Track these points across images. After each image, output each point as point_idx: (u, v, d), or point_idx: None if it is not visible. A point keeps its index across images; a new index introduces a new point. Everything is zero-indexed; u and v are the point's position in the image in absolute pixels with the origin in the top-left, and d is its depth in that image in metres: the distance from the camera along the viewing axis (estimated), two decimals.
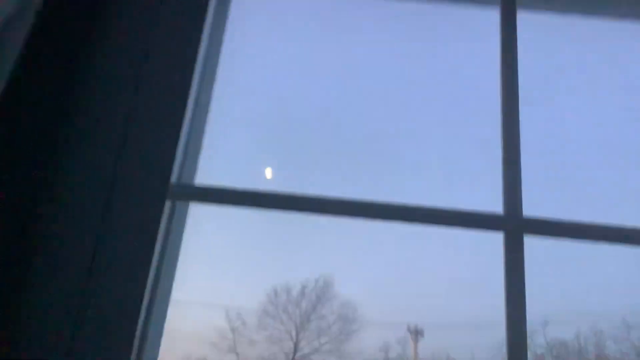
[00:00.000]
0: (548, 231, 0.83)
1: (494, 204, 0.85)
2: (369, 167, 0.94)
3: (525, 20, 0.99)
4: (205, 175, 0.92)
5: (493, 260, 0.82)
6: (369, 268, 0.89)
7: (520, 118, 0.89)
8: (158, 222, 0.78)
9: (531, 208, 0.84)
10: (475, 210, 0.84)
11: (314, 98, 1.02)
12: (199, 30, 0.93)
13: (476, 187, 0.88)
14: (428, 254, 0.87)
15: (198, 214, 0.94)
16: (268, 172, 1.01)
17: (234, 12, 1.07)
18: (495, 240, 0.83)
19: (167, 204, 0.83)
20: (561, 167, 0.91)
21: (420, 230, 0.84)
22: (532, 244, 0.83)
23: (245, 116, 1.00)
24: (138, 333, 0.75)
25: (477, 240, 0.85)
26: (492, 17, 1.00)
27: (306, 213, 0.87)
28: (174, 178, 0.85)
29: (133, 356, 0.74)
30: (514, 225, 0.83)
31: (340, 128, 0.98)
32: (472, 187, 0.88)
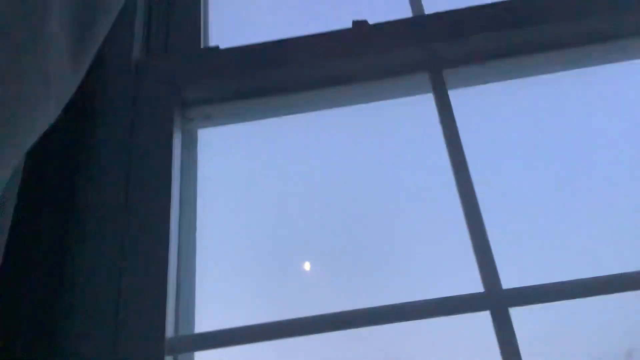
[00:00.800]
0: (532, 299, 0.85)
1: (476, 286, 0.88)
2: (340, 274, 0.98)
3: (458, 95, 1.05)
4: (205, 319, 0.97)
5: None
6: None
7: (478, 195, 0.93)
8: None
9: (510, 280, 0.86)
10: (457, 294, 0.87)
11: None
12: (169, 172, 1.02)
13: (453, 273, 0.91)
14: (422, 349, 0.89)
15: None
16: (306, 266, 1.05)
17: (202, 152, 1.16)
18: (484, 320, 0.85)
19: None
20: (527, 232, 0.93)
21: (409, 327, 0.86)
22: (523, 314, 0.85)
23: (231, 254, 1.06)
24: None
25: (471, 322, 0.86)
26: (428, 100, 1.07)
27: (304, 335, 0.91)
28: (170, 332, 0.90)
29: None
30: (497, 302, 0.85)
31: (312, 240, 1.03)
32: (448, 274, 0.91)
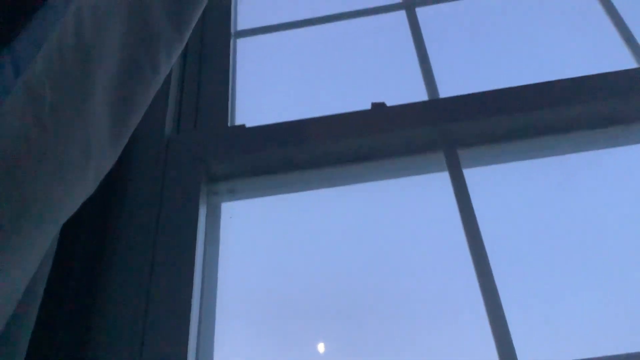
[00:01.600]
0: None
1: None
2: (356, 346, 0.99)
3: (473, 174, 1.10)
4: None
5: None
6: None
7: (494, 272, 0.96)
8: None
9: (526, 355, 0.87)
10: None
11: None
12: (193, 243, 1.06)
13: (470, 350, 0.91)
14: None
15: None
16: (321, 347, 1.06)
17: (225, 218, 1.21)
18: None
19: None
20: (544, 304, 0.94)
21: None
22: None
23: (248, 327, 1.08)
24: None
25: None
26: (443, 178, 1.11)
27: None
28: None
29: None
30: None
31: (328, 316, 1.05)
32: (465, 351, 0.92)
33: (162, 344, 0.94)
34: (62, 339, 0.94)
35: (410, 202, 1.17)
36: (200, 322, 1.02)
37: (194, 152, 1.22)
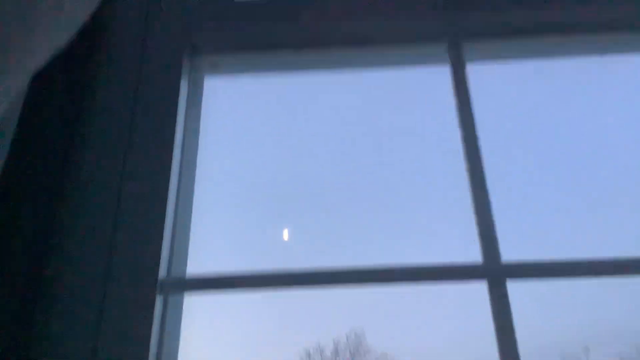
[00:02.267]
0: (530, 274, 0.85)
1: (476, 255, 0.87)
2: (342, 234, 0.97)
3: (475, 71, 1.04)
4: (199, 263, 0.96)
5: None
6: (397, 317, 0.91)
7: (485, 166, 0.92)
8: (150, 319, 0.81)
9: (509, 252, 0.86)
10: (455, 262, 0.86)
11: (285, 171, 1.07)
12: (174, 118, 1.00)
13: (453, 241, 0.90)
14: (421, 312, 0.88)
15: (208, 303, 0.97)
16: (285, 234, 1.04)
17: (207, 100, 1.14)
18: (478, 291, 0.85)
19: (159, 299, 0.87)
20: (532, 207, 0.93)
21: (402, 290, 0.86)
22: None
23: (230, 198, 1.05)
24: None
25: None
26: (444, 73, 1.05)
27: (302, 288, 0.90)
28: (163, 272, 0.89)
29: None
30: (494, 273, 0.85)
31: (318, 196, 1.02)
32: (449, 242, 0.91)
33: (140, 210, 0.90)
34: (30, 214, 0.89)
35: (405, 94, 1.11)
36: (178, 194, 0.98)
37: (177, 22, 1.12)
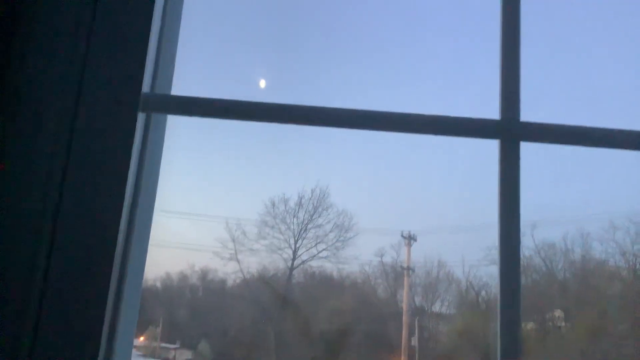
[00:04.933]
0: (546, 137, 0.81)
1: (492, 111, 0.82)
2: (363, 74, 0.90)
3: None
4: (183, 85, 0.88)
5: (488, 165, 0.80)
6: (364, 177, 0.88)
7: (521, 19, 0.84)
8: (131, 134, 0.74)
9: (529, 113, 0.81)
10: (471, 117, 0.81)
11: (302, 4, 0.95)
12: None
13: (474, 93, 0.84)
14: (423, 162, 0.85)
15: (181, 126, 0.90)
16: (262, 83, 0.96)
17: None
18: (492, 146, 0.81)
19: (141, 117, 0.79)
20: (560, 71, 0.87)
21: (416, 138, 0.81)
22: (526, 148, 0.81)
23: (220, 19, 0.94)
24: (119, 247, 0.74)
25: (474, 146, 0.82)
26: None
27: (295, 124, 0.84)
28: (146, 88, 0.80)
29: (115, 268, 0.73)
30: (510, 132, 0.80)
31: (331, 33, 0.92)
32: (469, 93, 0.84)
33: (119, 29, 0.79)
34: None
35: None
36: (163, 17, 0.86)
37: None
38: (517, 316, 0.76)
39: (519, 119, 0.81)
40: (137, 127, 0.77)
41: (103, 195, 0.73)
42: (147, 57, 0.79)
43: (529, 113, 0.81)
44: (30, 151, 0.74)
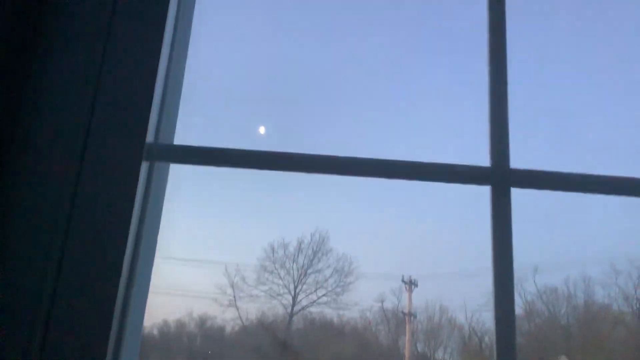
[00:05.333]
0: (535, 183, 0.83)
1: (482, 158, 0.85)
2: (358, 122, 0.93)
3: None
4: (185, 135, 0.91)
5: (482, 210, 0.83)
6: (363, 223, 0.90)
7: (508, 69, 0.88)
8: (135, 183, 0.77)
9: (518, 160, 0.84)
10: (462, 164, 0.83)
11: (299, 56, 1.00)
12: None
13: (464, 141, 0.87)
14: (420, 207, 0.87)
15: (182, 174, 0.93)
16: (261, 130, 0.99)
17: None
18: (483, 192, 0.83)
19: (145, 165, 0.82)
20: (549, 118, 0.90)
21: (411, 185, 0.83)
22: (522, 193, 0.83)
23: (223, 75, 0.98)
24: (120, 293, 0.75)
25: (467, 193, 0.84)
26: None
27: (293, 171, 0.87)
28: (150, 138, 0.83)
29: (116, 314, 0.74)
30: (500, 178, 0.83)
31: (325, 86, 0.96)
32: (459, 142, 0.87)
33: (129, 67, 0.83)
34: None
35: None
36: (168, 68, 0.90)
37: None
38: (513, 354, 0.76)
39: (508, 166, 0.84)
40: (140, 175, 0.80)
41: (106, 241, 0.75)
42: (151, 108, 0.83)
43: (518, 159, 0.84)
44: (37, 199, 0.76)
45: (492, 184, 0.82)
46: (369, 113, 0.90)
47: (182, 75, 0.95)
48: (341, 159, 0.84)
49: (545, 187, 0.83)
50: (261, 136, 0.98)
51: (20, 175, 0.77)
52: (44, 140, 0.79)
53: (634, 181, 0.83)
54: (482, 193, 0.82)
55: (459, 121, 0.86)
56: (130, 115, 0.80)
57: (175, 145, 0.88)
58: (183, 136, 0.93)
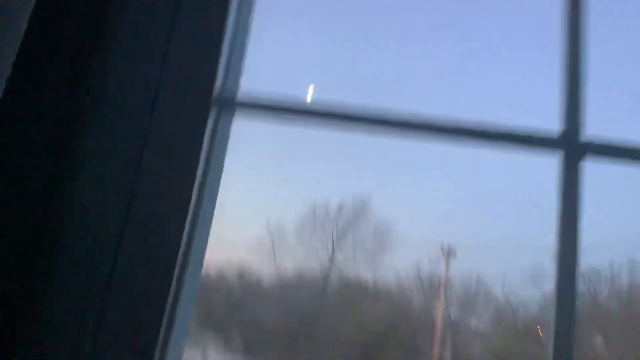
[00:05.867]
0: (611, 155, 0.79)
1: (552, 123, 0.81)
2: (419, 78, 0.90)
3: None
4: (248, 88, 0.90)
5: (536, 184, 0.79)
6: (407, 187, 0.88)
7: (588, 31, 0.82)
8: (203, 130, 0.77)
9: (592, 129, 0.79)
10: (531, 129, 0.80)
11: (367, 14, 0.96)
12: None
13: (535, 105, 0.83)
14: (469, 175, 0.84)
15: (240, 127, 0.92)
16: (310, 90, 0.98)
17: None
18: (540, 164, 0.79)
19: (212, 115, 0.82)
20: (628, 85, 0.84)
21: (464, 151, 0.80)
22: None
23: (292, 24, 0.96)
24: (184, 240, 0.76)
25: (522, 165, 0.81)
26: None
27: (352, 130, 0.85)
28: (216, 90, 0.83)
29: (179, 261, 0.75)
30: (573, 147, 0.79)
31: (393, 39, 0.93)
32: (530, 104, 0.83)
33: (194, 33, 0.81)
34: None
35: None
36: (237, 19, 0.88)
37: None
38: (571, 339, 0.74)
39: (581, 134, 0.80)
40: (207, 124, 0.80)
41: (174, 188, 0.75)
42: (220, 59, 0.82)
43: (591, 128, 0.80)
44: (109, 148, 0.77)
45: (564, 152, 0.78)
46: (430, 66, 0.87)
47: (248, 32, 0.94)
48: (396, 115, 0.82)
49: (621, 160, 0.79)
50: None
51: (94, 126, 0.78)
52: (116, 92, 0.80)
53: None
54: (533, 167, 0.78)
55: (531, 85, 0.82)
56: (200, 64, 0.80)
57: (243, 95, 0.87)
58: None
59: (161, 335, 0.73)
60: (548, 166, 0.79)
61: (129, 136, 0.77)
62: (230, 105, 0.85)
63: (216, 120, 0.84)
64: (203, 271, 0.87)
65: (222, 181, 0.87)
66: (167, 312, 0.74)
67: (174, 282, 0.76)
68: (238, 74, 0.90)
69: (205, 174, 0.82)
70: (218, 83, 0.84)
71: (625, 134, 0.78)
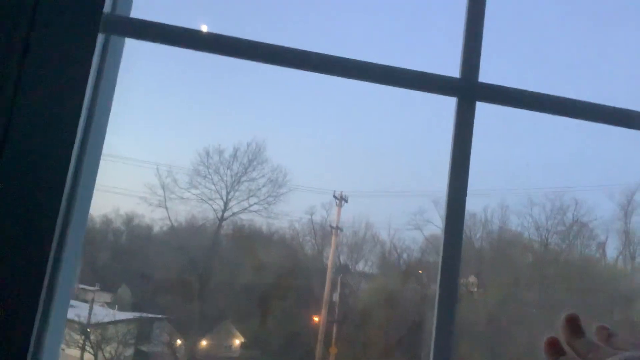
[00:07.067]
0: (503, 99, 0.82)
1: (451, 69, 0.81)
2: (319, 15, 0.86)
3: None
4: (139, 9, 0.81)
5: (421, 127, 0.80)
6: (302, 134, 0.85)
7: None
8: (90, 56, 0.68)
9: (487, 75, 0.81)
10: (430, 72, 0.80)
11: None
12: None
13: (434, 49, 0.83)
14: (360, 125, 0.83)
15: (131, 63, 0.83)
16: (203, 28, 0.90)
17: None
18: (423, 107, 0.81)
19: (100, 38, 0.72)
20: (525, 36, 0.87)
21: (358, 100, 0.79)
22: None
23: None
24: (67, 186, 0.68)
25: (416, 114, 0.82)
26: None
27: (244, 58, 0.79)
28: (107, 8, 0.73)
29: (62, 207, 0.68)
30: (468, 90, 0.80)
31: None
32: (430, 49, 0.83)
33: None
34: None
35: None
36: None
37: None
38: (457, 269, 0.78)
39: (477, 78, 0.81)
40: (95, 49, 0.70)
41: (56, 119, 0.66)
42: None
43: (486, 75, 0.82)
44: None
45: (459, 96, 0.79)
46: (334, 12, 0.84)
47: None
48: (295, 50, 0.78)
49: (511, 104, 0.81)
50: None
51: None
52: None
53: (600, 108, 0.83)
54: (428, 119, 0.79)
55: (431, 31, 0.82)
56: None
57: (133, 19, 0.78)
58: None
59: (42, 296, 0.65)
60: (439, 119, 0.81)
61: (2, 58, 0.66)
62: (121, 27, 0.75)
63: (104, 46, 0.74)
64: (89, 219, 0.80)
65: (109, 123, 0.78)
66: (48, 273, 0.66)
67: (56, 235, 0.68)
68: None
69: (91, 112, 0.73)
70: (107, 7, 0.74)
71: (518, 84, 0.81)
